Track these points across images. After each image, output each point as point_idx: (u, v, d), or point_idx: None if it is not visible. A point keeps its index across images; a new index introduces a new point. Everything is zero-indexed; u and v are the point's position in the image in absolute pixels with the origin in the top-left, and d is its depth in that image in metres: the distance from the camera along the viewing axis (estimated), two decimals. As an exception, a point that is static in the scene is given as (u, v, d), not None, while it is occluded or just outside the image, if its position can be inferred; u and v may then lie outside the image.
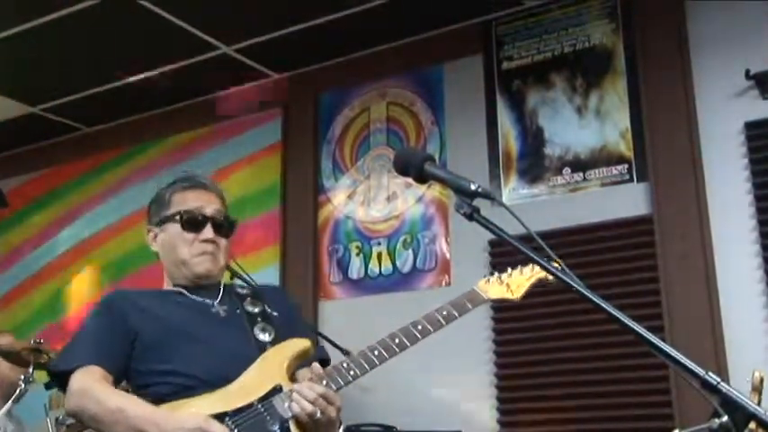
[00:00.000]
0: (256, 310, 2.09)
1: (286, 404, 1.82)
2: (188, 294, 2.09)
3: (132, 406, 1.82)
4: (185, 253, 2.07)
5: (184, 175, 2.21)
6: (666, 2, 3.53)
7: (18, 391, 3.28)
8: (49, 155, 5.27)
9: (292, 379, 1.93)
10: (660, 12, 3.53)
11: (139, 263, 4.48)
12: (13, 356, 3.36)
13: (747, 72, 3.25)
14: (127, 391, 2.00)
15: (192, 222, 2.08)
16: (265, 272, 4.10)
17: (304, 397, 1.79)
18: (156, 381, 1.93)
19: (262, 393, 1.85)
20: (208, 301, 2.08)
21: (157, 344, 1.96)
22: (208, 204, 2.12)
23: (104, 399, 1.84)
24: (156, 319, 2.00)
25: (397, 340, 1.92)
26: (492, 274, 2.14)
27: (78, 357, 1.95)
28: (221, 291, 2.12)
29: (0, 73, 4.34)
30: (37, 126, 5.00)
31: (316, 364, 1.91)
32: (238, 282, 2.66)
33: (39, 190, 5.30)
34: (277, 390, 1.86)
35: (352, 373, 1.87)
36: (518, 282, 2.14)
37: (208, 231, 2.08)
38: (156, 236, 2.15)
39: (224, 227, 2.12)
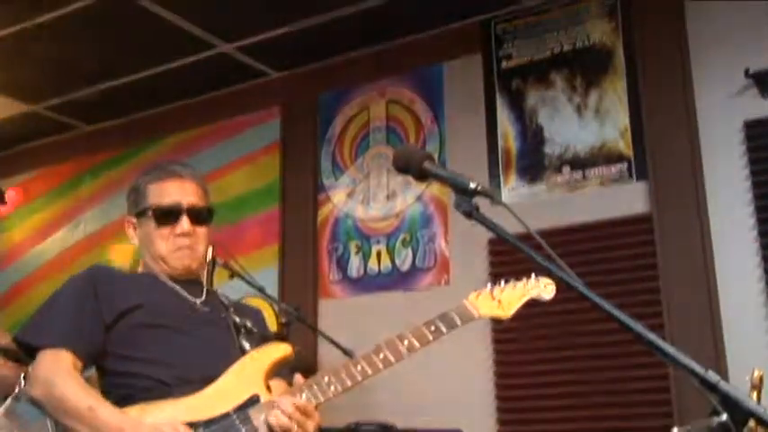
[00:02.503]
0: (239, 320, 2.05)
1: (262, 417, 1.75)
2: (172, 284, 2.04)
3: (102, 408, 1.74)
4: (162, 248, 2.04)
5: (161, 165, 2.18)
6: (666, 1, 3.53)
7: (17, 389, 3.27)
8: (49, 153, 5.27)
9: (270, 387, 1.86)
10: (660, 11, 3.53)
11: (139, 261, 4.47)
12: (11, 355, 3.35)
13: (747, 71, 3.25)
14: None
15: (166, 217, 2.04)
16: (265, 271, 4.10)
17: (281, 410, 1.73)
18: (133, 370, 1.86)
19: (238, 402, 1.78)
20: (191, 298, 2.03)
21: (140, 328, 1.90)
22: (183, 195, 2.06)
23: (74, 395, 1.76)
24: (141, 301, 1.94)
25: (382, 355, 1.85)
26: (486, 286, 2.06)
27: (49, 335, 1.87)
28: (205, 292, 2.08)
29: (0, 72, 4.34)
30: (37, 124, 5.00)
31: (298, 375, 1.85)
32: (221, 291, 2.51)
33: (38, 188, 5.30)
34: (254, 400, 1.79)
35: (332, 388, 1.80)
36: (510, 299, 2.05)
37: (183, 223, 2.03)
38: (134, 228, 2.12)
39: (201, 215, 2.07)
